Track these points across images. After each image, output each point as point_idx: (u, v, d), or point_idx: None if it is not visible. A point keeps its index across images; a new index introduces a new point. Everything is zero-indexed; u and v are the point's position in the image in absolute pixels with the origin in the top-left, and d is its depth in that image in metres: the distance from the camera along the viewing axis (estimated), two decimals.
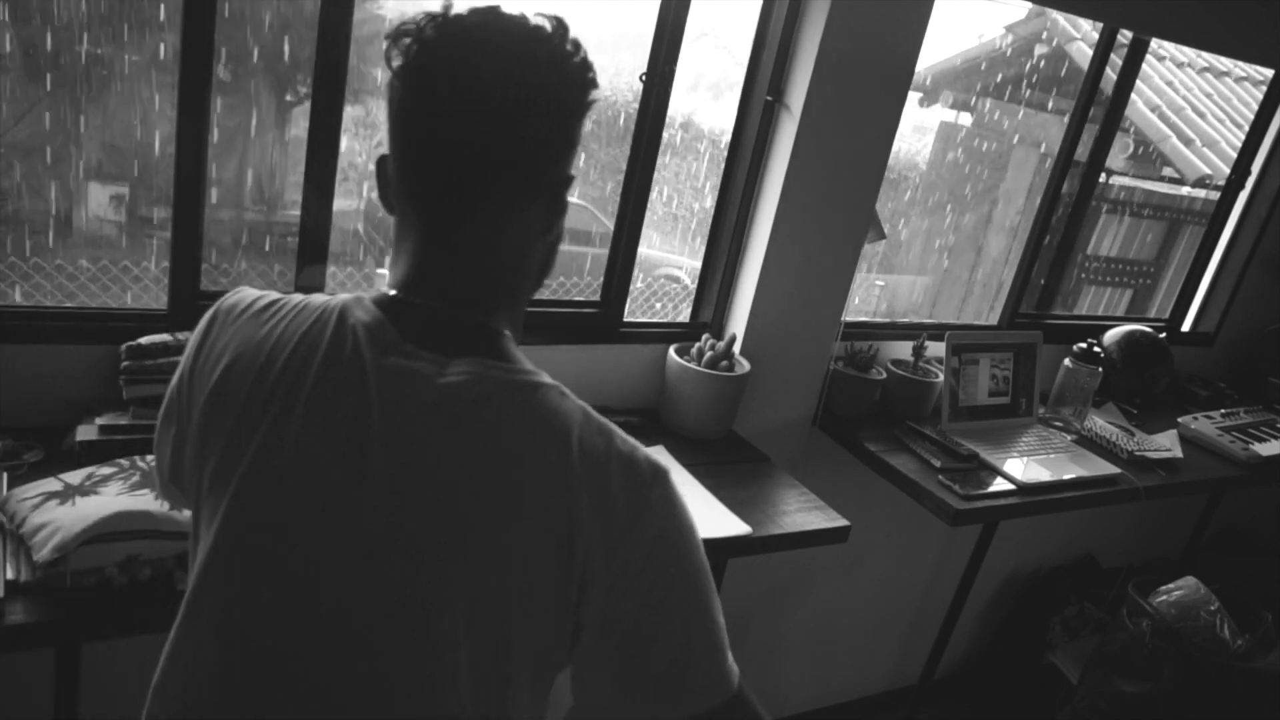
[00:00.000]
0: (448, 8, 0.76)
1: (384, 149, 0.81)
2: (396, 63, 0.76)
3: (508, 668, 0.75)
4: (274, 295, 0.85)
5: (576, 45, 0.77)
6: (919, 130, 3.32)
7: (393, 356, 0.76)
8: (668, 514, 0.77)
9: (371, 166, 2.32)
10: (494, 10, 0.76)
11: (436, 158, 0.76)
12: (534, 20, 0.76)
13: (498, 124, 0.75)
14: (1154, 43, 2.67)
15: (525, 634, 0.74)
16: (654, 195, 2.02)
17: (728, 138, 2.08)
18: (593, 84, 0.78)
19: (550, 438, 0.74)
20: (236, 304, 0.85)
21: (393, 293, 0.80)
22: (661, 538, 0.76)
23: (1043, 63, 3.52)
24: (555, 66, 0.76)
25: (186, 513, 1.21)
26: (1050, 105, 3.40)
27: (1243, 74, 4.13)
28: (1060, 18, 3.41)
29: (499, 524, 0.72)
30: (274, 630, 0.75)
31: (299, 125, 1.82)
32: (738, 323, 2.10)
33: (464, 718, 0.74)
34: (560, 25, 0.77)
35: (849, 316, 2.24)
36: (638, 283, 2.16)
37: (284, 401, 0.76)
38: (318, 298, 0.82)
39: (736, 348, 2.02)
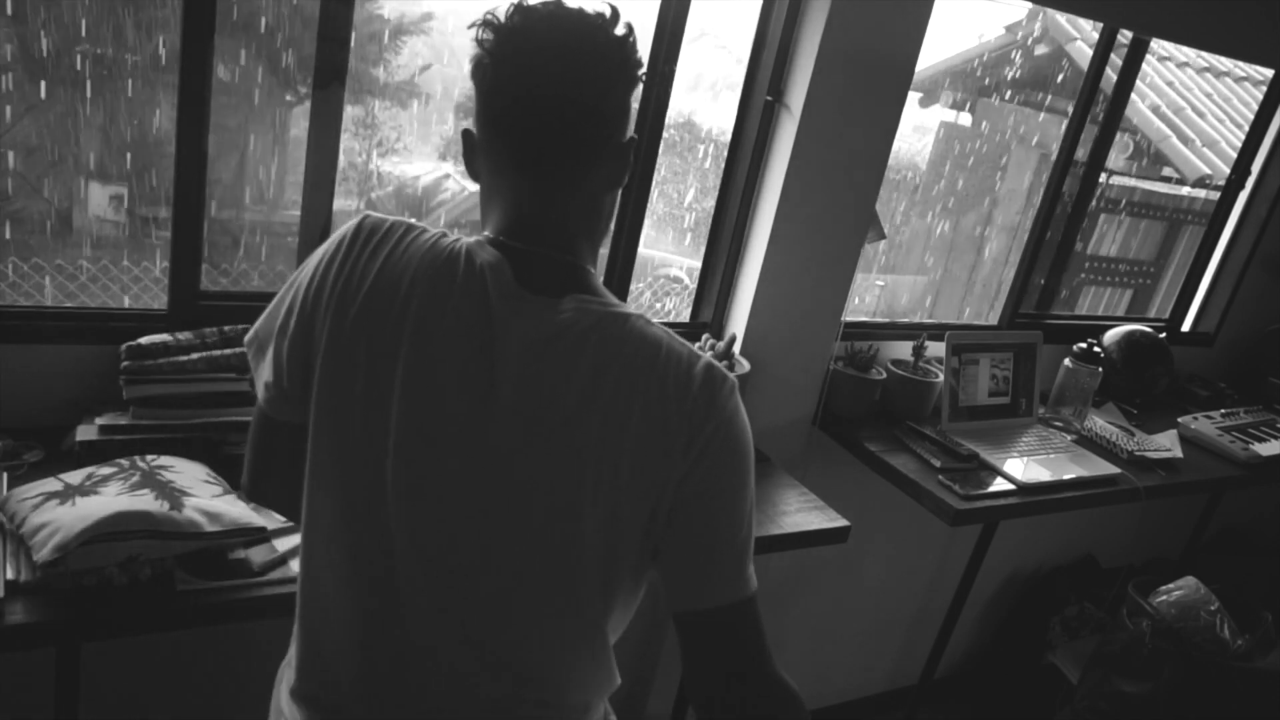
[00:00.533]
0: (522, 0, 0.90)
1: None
2: (486, 46, 0.89)
3: (616, 541, 0.90)
4: (404, 224, 0.94)
5: (629, 28, 0.91)
6: (919, 130, 3.31)
7: (511, 300, 0.89)
8: (734, 413, 0.91)
9: (372, 166, 2.32)
10: (559, 3, 0.90)
11: (529, 127, 0.90)
12: (592, 11, 0.90)
13: (575, 99, 0.89)
14: (1154, 43, 2.67)
15: (631, 512, 0.89)
16: (654, 195, 2.02)
17: (728, 138, 2.08)
18: (641, 61, 0.92)
19: (646, 355, 0.89)
20: (376, 228, 0.94)
21: (501, 238, 0.93)
22: (729, 431, 0.90)
23: (1043, 63, 3.52)
24: (615, 48, 0.89)
25: (186, 512, 1.21)
26: (1050, 105, 3.40)
27: (1243, 74, 4.13)
28: (1060, 18, 3.41)
29: (616, 423, 0.88)
30: (453, 496, 0.89)
31: (299, 125, 1.82)
32: (738, 323, 2.10)
33: (589, 573, 0.90)
34: (614, 13, 0.90)
35: (849, 316, 2.24)
36: (638, 283, 2.16)
37: (424, 327, 0.88)
38: (445, 238, 0.93)
39: (736, 348, 2.02)
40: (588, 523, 0.88)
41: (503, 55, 0.88)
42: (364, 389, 0.89)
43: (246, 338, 1.02)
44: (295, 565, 1.29)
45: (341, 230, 0.95)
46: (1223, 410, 2.75)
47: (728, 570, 0.91)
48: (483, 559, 0.90)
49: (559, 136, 0.90)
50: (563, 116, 0.89)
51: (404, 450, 0.88)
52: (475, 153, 0.95)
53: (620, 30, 0.89)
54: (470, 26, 0.90)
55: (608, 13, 0.90)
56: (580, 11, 0.89)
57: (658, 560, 0.93)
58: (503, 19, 0.88)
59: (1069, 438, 2.34)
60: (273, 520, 1.37)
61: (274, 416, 0.98)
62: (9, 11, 1.56)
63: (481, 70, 0.89)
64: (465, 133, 0.95)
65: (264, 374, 0.98)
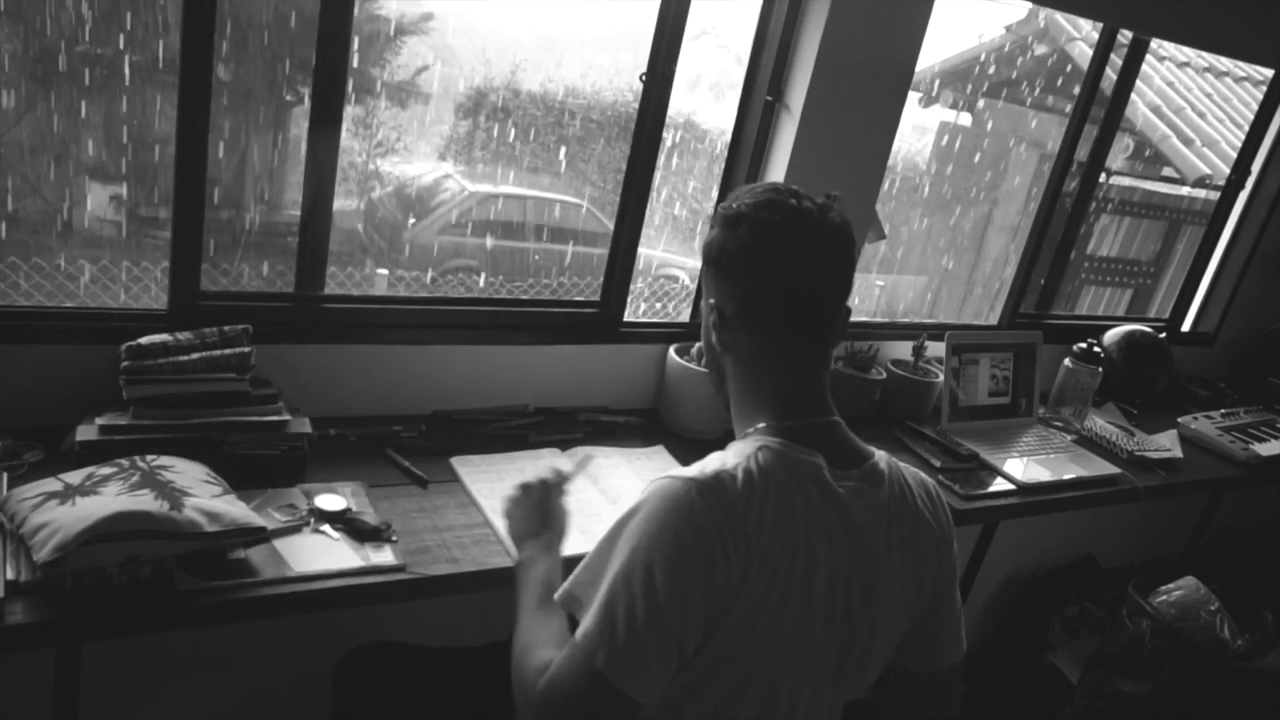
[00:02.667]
0: (784, 189, 1.07)
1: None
2: (763, 229, 1.04)
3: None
4: (730, 472, 1.00)
5: (843, 212, 1.08)
6: (919, 130, 3.31)
7: (836, 493, 1.04)
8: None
9: (371, 166, 2.32)
10: (799, 193, 1.07)
11: (816, 295, 1.07)
12: (821, 200, 1.07)
13: (845, 288, 1.09)
14: (1154, 43, 2.67)
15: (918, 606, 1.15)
16: (654, 195, 2.02)
17: (728, 138, 2.08)
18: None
19: (928, 491, 1.14)
20: (719, 489, 0.99)
21: (789, 424, 1.06)
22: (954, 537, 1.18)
23: (1043, 63, 3.52)
24: (851, 238, 1.08)
25: (186, 512, 1.21)
26: (1050, 105, 3.40)
27: (1243, 74, 4.13)
28: (1060, 17, 3.41)
29: (916, 548, 1.11)
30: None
31: (299, 125, 1.82)
32: None
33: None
34: (834, 198, 1.08)
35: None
36: (638, 283, 2.16)
37: (800, 550, 1.00)
38: (765, 467, 1.01)
39: None
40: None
41: (790, 243, 1.04)
42: (797, 613, 1.00)
43: (607, 646, 0.95)
44: (296, 565, 1.29)
45: (694, 507, 0.97)
46: (1223, 410, 2.74)
47: (960, 632, 1.19)
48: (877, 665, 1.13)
49: (833, 311, 1.08)
50: (836, 295, 1.08)
51: (845, 631, 1.06)
52: (731, 328, 1.08)
53: (848, 218, 1.07)
54: (723, 210, 1.08)
55: (833, 202, 1.07)
56: (822, 203, 1.06)
57: (916, 629, 1.16)
58: (773, 211, 1.04)
59: (1069, 438, 2.34)
60: (272, 521, 1.37)
61: (636, 699, 0.95)
62: (10, 11, 1.56)
63: (764, 254, 1.05)
64: (719, 309, 1.09)
65: (649, 666, 0.95)
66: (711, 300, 1.10)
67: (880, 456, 1.11)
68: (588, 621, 0.97)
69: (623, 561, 0.96)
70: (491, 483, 1.60)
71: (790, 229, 1.04)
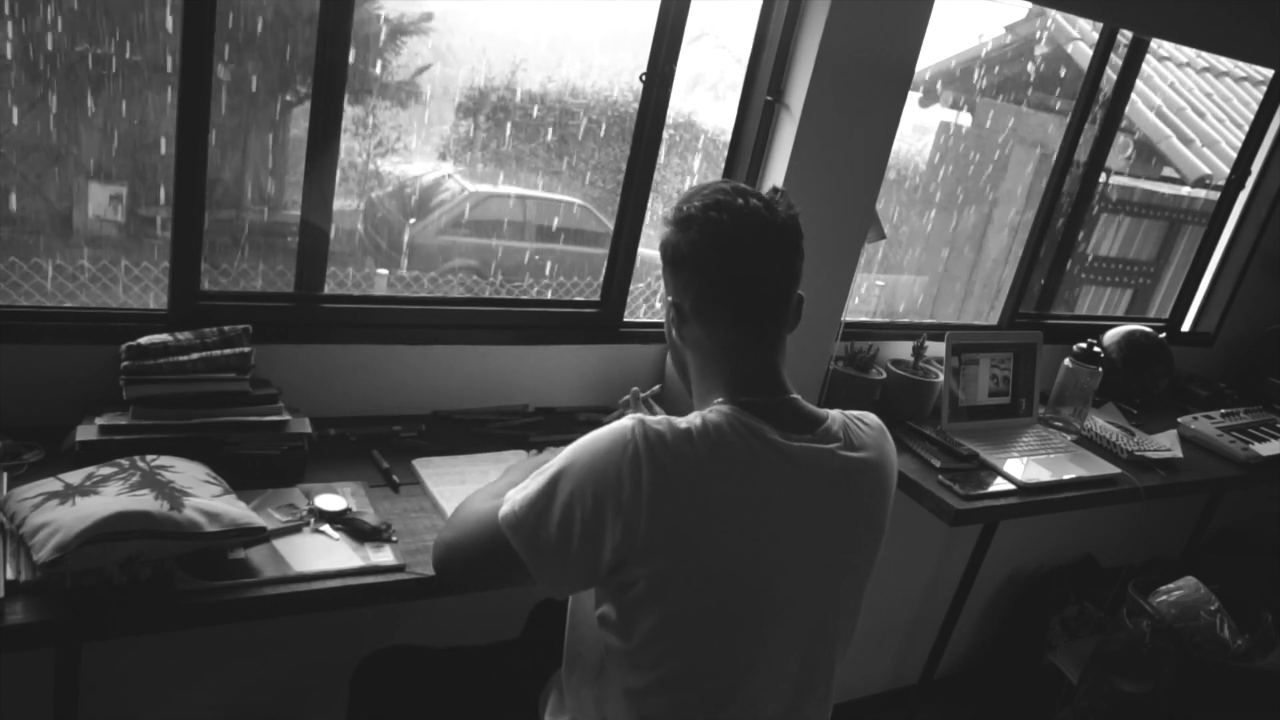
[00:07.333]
0: (731, 189, 1.14)
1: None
2: (712, 229, 1.11)
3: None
4: (678, 428, 1.08)
5: (791, 203, 1.16)
6: (919, 130, 3.31)
7: (783, 450, 1.11)
8: None
9: (371, 166, 2.32)
10: (748, 190, 1.15)
11: (764, 289, 1.15)
12: (768, 195, 1.16)
13: (790, 272, 1.16)
14: (1154, 43, 2.67)
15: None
16: (654, 195, 2.02)
17: (728, 138, 2.08)
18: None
19: (879, 430, 1.23)
20: (660, 441, 1.06)
21: (741, 399, 1.13)
22: None
23: (1043, 63, 3.52)
24: (797, 229, 1.16)
25: (186, 512, 1.21)
26: (1050, 105, 3.40)
27: (1243, 74, 4.12)
28: (1060, 17, 3.40)
29: (879, 505, 1.21)
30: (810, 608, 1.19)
31: (299, 125, 1.82)
32: None
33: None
34: (781, 193, 1.17)
35: (849, 316, 2.24)
36: (639, 283, 2.16)
37: (748, 503, 1.08)
38: (710, 425, 1.08)
39: None
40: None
41: (737, 242, 1.12)
42: (744, 557, 1.09)
43: (518, 519, 1.10)
44: (296, 565, 1.29)
45: (627, 451, 1.04)
46: (1223, 410, 2.75)
47: None
48: (847, 620, 1.27)
49: (782, 302, 1.16)
50: (783, 287, 1.15)
51: (802, 573, 1.14)
52: (688, 322, 1.17)
53: (794, 210, 1.16)
54: (675, 212, 1.15)
55: (779, 196, 1.16)
56: (769, 198, 1.15)
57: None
58: (720, 211, 1.11)
59: (1069, 438, 2.34)
60: (272, 521, 1.37)
61: (531, 571, 1.10)
62: (9, 11, 1.56)
63: (710, 247, 1.12)
64: (676, 305, 1.17)
65: (559, 554, 1.08)
66: (670, 297, 1.19)
67: (834, 417, 1.18)
68: (516, 492, 1.11)
69: (561, 462, 1.09)
70: (454, 485, 1.59)
71: (737, 227, 1.12)
